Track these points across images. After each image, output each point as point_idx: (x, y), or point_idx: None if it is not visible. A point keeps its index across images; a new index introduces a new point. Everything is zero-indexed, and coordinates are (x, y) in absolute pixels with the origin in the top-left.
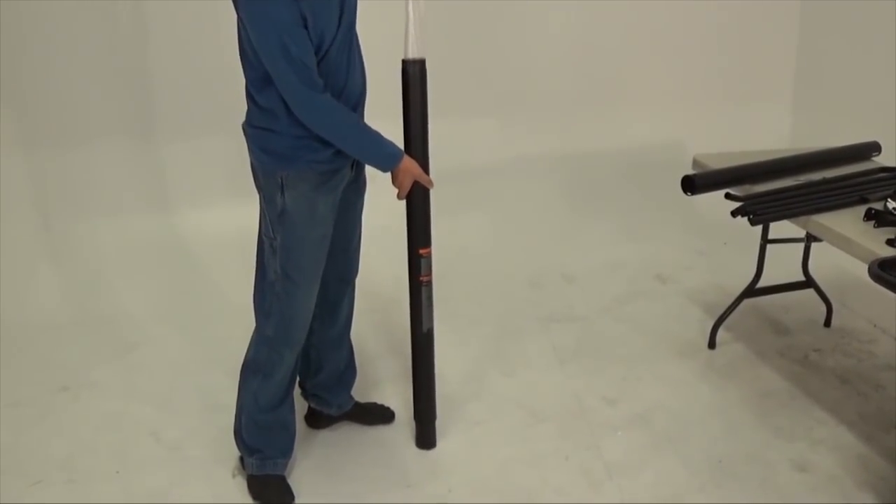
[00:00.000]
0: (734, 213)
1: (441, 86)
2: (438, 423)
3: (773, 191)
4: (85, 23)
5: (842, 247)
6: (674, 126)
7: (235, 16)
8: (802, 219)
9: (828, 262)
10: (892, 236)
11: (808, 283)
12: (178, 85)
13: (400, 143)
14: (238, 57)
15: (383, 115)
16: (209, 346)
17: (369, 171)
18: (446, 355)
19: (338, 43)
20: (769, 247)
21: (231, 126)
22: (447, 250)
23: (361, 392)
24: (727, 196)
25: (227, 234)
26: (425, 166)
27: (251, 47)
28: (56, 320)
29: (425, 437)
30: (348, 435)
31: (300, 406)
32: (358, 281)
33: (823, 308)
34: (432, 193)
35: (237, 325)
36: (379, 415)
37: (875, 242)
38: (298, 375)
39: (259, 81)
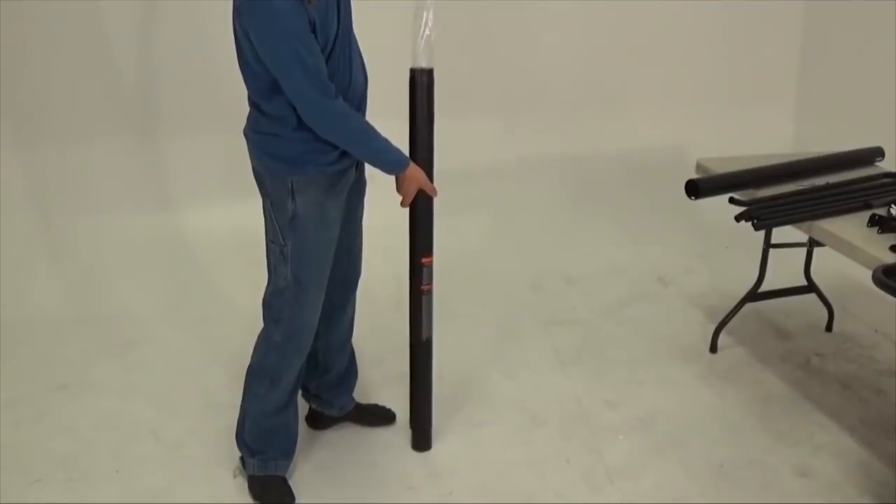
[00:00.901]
0: (738, 218)
1: (444, 87)
2: (438, 426)
3: (776, 196)
4: (85, 20)
5: (845, 252)
6: (677, 130)
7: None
8: (806, 224)
9: (830, 266)
10: None
11: (810, 287)
12: (179, 83)
13: (405, 149)
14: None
15: (388, 117)
16: (209, 344)
17: (369, 171)
18: (447, 357)
19: (340, 39)
20: (771, 251)
21: (231, 125)
22: (449, 251)
23: (362, 394)
24: (731, 200)
25: (227, 233)
26: (430, 174)
27: (255, 58)
28: (56, 318)
29: (421, 441)
30: (349, 436)
31: (301, 407)
32: (359, 283)
33: (825, 313)
34: (434, 199)
35: (237, 324)
36: (380, 416)
37: (879, 248)
38: (303, 377)
39: (266, 91)
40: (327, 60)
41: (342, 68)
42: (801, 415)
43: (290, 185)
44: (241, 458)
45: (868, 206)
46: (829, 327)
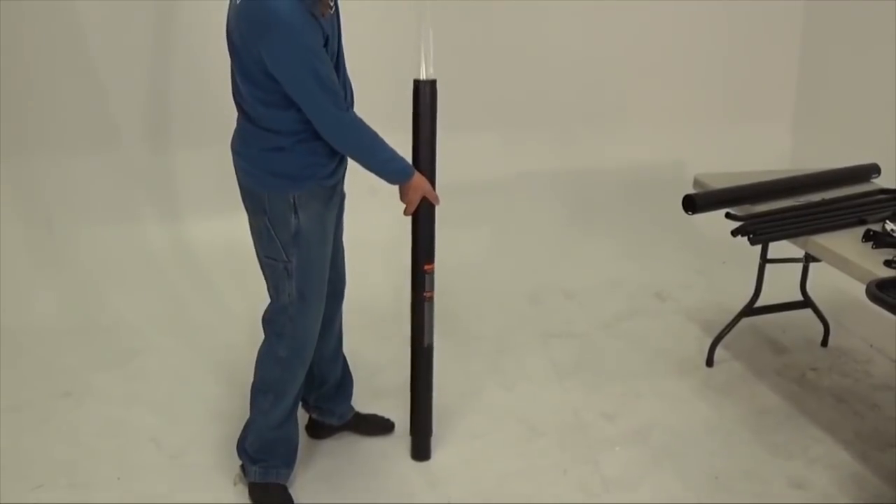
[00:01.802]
0: (734, 233)
1: (445, 101)
2: (437, 436)
3: (772, 211)
4: (91, 29)
5: (840, 267)
6: (675, 146)
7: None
8: (801, 239)
9: (826, 282)
10: (891, 257)
11: (806, 302)
12: (182, 94)
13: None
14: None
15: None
16: (209, 354)
17: (372, 183)
18: (446, 369)
19: (340, 50)
20: (768, 266)
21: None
22: (449, 264)
23: (361, 403)
24: (727, 216)
25: (228, 244)
26: (433, 183)
27: (263, 72)
28: (59, 326)
29: (420, 450)
30: (348, 445)
31: (301, 417)
32: (358, 294)
33: (821, 328)
34: (436, 208)
35: (237, 333)
36: (379, 425)
37: (873, 263)
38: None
39: (272, 104)
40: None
41: (343, 78)
42: (797, 428)
43: (292, 201)
44: (242, 466)
45: (863, 222)
46: (824, 342)
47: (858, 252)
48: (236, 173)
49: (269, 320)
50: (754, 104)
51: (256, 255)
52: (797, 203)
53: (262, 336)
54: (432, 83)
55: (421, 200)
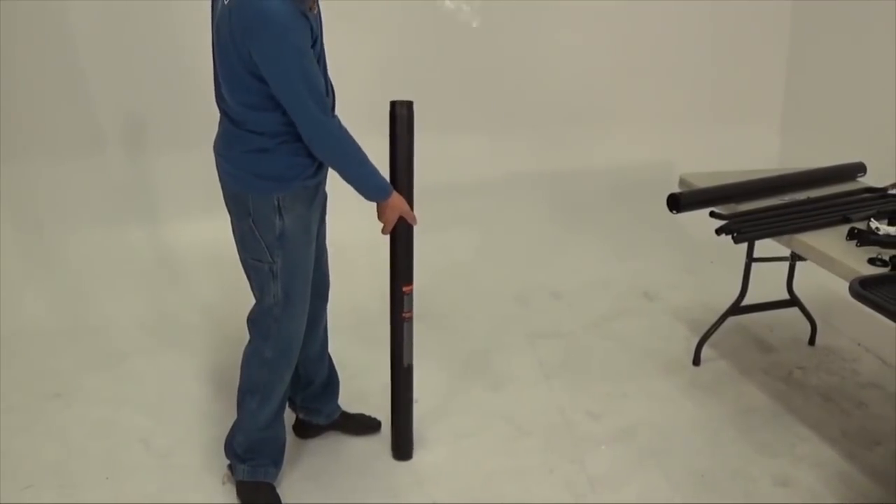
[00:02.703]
0: (718, 231)
1: (432, 102)
2: (424, 436)
3: (757, 209)
4: (77, 35)
5: (824, 265)
6: (663, 146)
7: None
8: (786, 237)
9: (812, 280)
10: (875, 255)
11: (793, 301)
12: (166, 96)
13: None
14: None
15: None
16: (197, 355)
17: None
18: (433, 369)
19: (322, 51)
20: (755, 265)
21: None
22: (436, 266)
23: (347, 403)
24: (711, 214)
25: (212, 245)
26: (410, 203)
27: (249, 72)
28: (48, 329)
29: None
30: (335, 445)
31: (288, 417)
32: (343, 295)
33: (808, 326)
34: (421, 209)
35: (224, 334)
36: (366, 425)
37: (857, 261)
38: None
39: (257, 105)
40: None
41: (326, 81)
42: (783, 426)
43: (276, 203)
44: (230, 465)
45: (847, 220)
46: (811, 341)
47: (843, 250)
48: (219, 176)
49: (254, 321)
50: (743, 105)
51: (239, 256)
52: (782, 202)
53: (247, 336)
54: (409, 105)
55: (399, 220)
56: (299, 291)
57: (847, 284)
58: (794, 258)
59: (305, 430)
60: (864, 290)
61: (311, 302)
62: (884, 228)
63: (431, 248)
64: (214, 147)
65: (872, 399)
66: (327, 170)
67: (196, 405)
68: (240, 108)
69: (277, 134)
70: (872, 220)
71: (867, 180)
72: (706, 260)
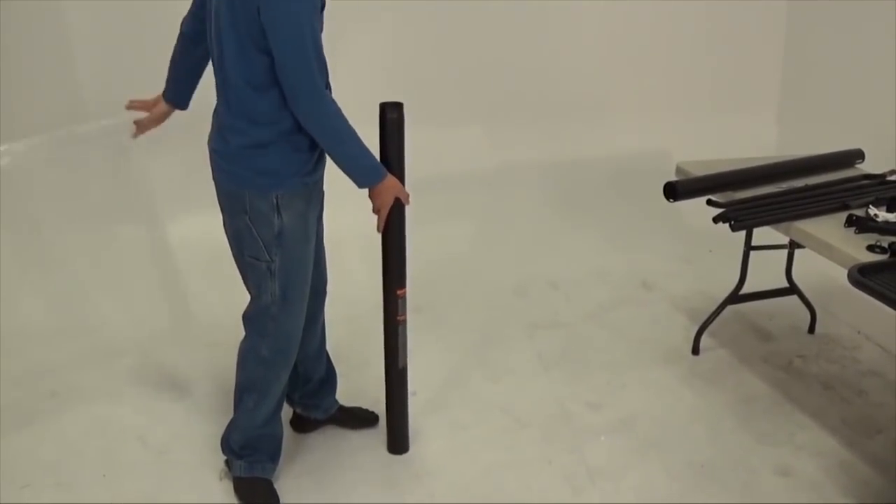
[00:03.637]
0: (715, 220)
1: (426, 93)
2: (422, 429)
3: (754, 197)
4: (73, 33)
5: (823, 253)
6: (660, 135)
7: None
8: (784, 225)
9: (811, 268)
10: (873, 242)
11: (792, 289)
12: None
13: None
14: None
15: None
16: (193, 352)
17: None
18: (431, 361)
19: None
20: (753, 254)
21: None
22: (433, 257)
23: (345, 397)
24: (709, 202)
25: (211, 242)
26: (402, 212)
27: (255, 45)
28: (44, 327)
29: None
30: (333, 439)
31: (286, 412)
32: (341, 288)
33: (807, 314)
34: (417, 199)
35: (220, 331)
36: (363, 419)
37: (856, 248)
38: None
39: (259, 83)
40: None
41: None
42: (783, 415)
43: (275, 201)
44: (227, 461)
45: (846, 207)
46: (811, 329)
47: (841, 237)
48: (213, 173)
49: (250, 319)
50: (739, 93)
51: (232, 253)
52: (780, 189)
53: (243, 332)
54: (399, 107)
55: (391, 217)
56: (298, 290)
57: (846, 272)
58: (793, 246)
59: (303, 425)
60: (863, 277)
61: (310, 300)
62: (882, 215)
63: (427, 241)
64: (209, 142)
65: (873, 387)
66: (324, 166)
67: (192, 402)
68: (240, 88)
69: (273, 122)
70: (871, 206)
71: (865, 167)
72: (704, 249)
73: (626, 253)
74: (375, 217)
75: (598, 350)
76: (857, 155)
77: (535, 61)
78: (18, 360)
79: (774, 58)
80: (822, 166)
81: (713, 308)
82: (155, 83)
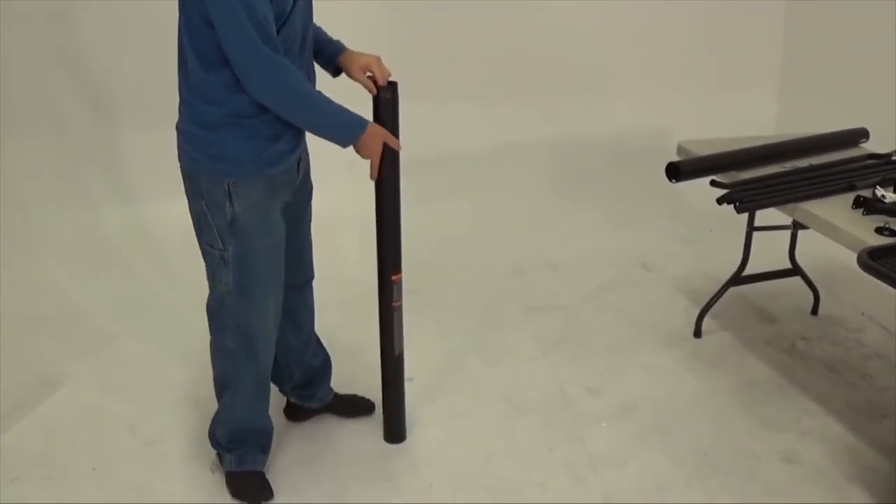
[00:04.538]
0: (720, 201)
1: (423, 71)
2: (419, 416)
3: (759, 178)
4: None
5: (830, 235)
6: (659, 112)
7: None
8: (789, 206)
9: (815, 249)
10: (882, 224)
11: (795, 270)
12: (143, 76)
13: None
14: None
15: None
16: (181, 339)
17: (350, 159)
18: (428, 346)
19: (295, 19)
20: (755, 234)
21: None
22: (429, 239)
23: (340, 384)
24: (712, 183)
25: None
26: (397, 184)
27: (202, 15)
28: (30, 315)
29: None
30: (327, 428)
31: (279, 400)
32: (334, 270)
33: (810, 296)
34: (412, 179)
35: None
36: (359, 407)
37: (864, 231)
38: (274, 382)
39: (209, 57)
40: (279, 32)
41: (295, 55)
42: (787, 400)
43: (226, 188)
44: (218, 454)
45: (852, 188)
46: (814, 310)
47: (849, 219)
48: (178, 153)
49: (210, 311)
50: (739, 69)
51: (197, 239)
52: (784, 169)
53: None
54: (393, 87)
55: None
56: (258, 283)
57: (852, 254)
58: (797, 226)
59: (297, 414)
60: (873, 261)
61: (288, 293)
62: (890, 196)
63: (423, 221)
64: (176, 123)
65: (878, 370)
66: (299, 158)
67: (183, 390)
68: (194, 64)
69: (224, 102)
70: (878, 187)
71: (870, 146)
72: (704, 228)
73: (624, 232)
74: (368, 196)
75: (598, 333)
76: (862, 134)
77: (533, 37)
78: (5, 348)
79: (775, 34)
80: (827, 145)
81: (714, 289)
82: (134, 63)
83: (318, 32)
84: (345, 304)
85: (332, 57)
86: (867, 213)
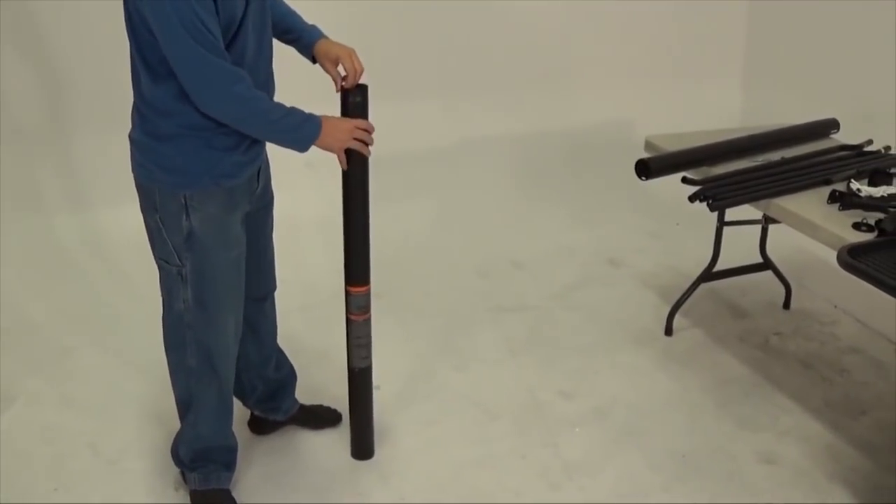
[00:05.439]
0: (692, 199)
1: (380, 67)
2: (388, 425)
3: (731, 173)
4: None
5: (807, 232)
6: (623, 105)
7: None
8: (764, 202)
9: (785, 242)
10: (859, 219)
11: (766, 264)
12: (93, 81)
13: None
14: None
15: None
16: (140, 352)
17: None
18: (393, 351)
19: (247, 27)
20: (725, 228)
21: None
22: (391, 239)
23: (305, 394)
24: (684, 180)
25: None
26: (366, 203)
27: (146, 27)
28: None
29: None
30: (294, 440)
31: (243, 413)
32: (296, 275)
33: (782, 290)
34: (374, 178)
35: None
36: (326, 417)
37: (842, 227)
38: (237, 396)
39: (155, 73)
40: (230, 45)
41: (250, 62)
42: (763, 398)
43: (182, 201)
44: (182, 472)
45: (828, 182)
46: (786, 304)
47: (826, 215)
48: (131, 164)
49: (167, 328)
50: (703, 60)
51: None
52: (756, 163)
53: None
54: (363, 90)
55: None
56: (218, 299)
57: (823, 246)
58: (767, 220)
59: (261, 426)
60: (854, 260)
61: (248, 305)
62: (865, 189)
63: (386, 221)
64: (129, 133)
65: (854, 365)
66: (258, 169)
67: (144, 404)
68: (141, 74)
69: (175, 113)
70: (853, 181)
71: (840, 137)
72: (671, 222)
73: (591, 229)
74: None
75: (567, 333)
76: (832, 125)
77: (495, 31)
78: None
79: (738, 23)
80: (798, 137)
81: (683, 284)
82: (84, 68)
83: (295, 19)
84: (308, 309)
85: (310, 45)
86: (843, 209)
